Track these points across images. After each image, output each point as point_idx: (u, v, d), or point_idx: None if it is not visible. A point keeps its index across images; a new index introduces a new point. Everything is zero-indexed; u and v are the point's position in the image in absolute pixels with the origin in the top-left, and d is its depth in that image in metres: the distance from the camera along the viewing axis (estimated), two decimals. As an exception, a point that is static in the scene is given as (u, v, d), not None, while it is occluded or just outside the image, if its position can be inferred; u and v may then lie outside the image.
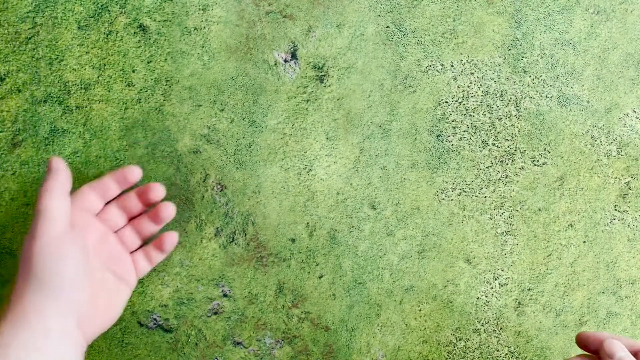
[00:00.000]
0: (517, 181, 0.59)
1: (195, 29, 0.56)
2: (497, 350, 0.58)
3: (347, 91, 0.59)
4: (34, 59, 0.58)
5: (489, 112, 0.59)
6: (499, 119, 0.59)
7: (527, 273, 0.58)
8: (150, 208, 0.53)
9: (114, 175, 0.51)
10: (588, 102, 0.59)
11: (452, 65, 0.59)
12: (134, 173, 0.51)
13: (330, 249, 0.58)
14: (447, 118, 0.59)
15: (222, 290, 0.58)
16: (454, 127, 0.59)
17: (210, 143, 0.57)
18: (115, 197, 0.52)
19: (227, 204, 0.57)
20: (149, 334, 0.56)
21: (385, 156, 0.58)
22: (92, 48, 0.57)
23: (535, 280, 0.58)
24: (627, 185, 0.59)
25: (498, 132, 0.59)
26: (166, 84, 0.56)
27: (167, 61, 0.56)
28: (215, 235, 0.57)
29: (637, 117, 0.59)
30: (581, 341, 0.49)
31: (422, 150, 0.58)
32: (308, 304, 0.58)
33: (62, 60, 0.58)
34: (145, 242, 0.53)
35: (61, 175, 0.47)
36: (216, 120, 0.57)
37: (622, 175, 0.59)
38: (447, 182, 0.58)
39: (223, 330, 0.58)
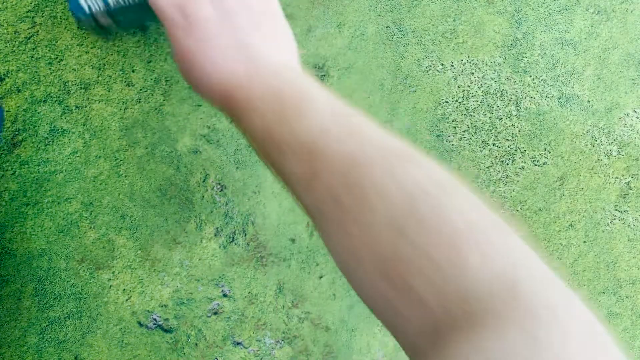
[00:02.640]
0: (518, 181, 0.59)
1: (195, 28, 0.56)
2: (497, 351, 0.58)
3: (347, 91, 0.59)
4: (33, 59, 0.58)
5: (489, 112, 0.59)
6: (499, 119, 0.59)
7: (528, 273, 0.58)
8: None
9: None
10: (588, 102, 0.59)
11: (452, 65, 0.59)
12: None
13: (330, 249, 0.58)
14: (447, 118, 0.59)
15: (222, 290, 0.58)
16: (454, 127, 0.59)
17: (210, 143, 0.57)
18: None
19: (227, 204, 0.57)
20: (148, 334, 0.56)
21: (385, 156, 0.58)
22: (91, 48, 0.57)
23: (535, 281, 0.58)
24: (628, 185, 0.59)
25: (498, 132, 0.59)
26: (166, 84, 0.56)
27: (167, 61, 0.56)
28: (215, 235, 0.57)
29: (637, 117, 0.59)
30: None
31: (422, 150, 0.58)
32: (308, 304, 0.58)
33: (61, 60, 0.58)
34: None
35: None
36: (216, 120, 0.57)
37: (623, 175, 0.59)
38: (447, 182, 0.58)
39: (223, 330, 0.58)
